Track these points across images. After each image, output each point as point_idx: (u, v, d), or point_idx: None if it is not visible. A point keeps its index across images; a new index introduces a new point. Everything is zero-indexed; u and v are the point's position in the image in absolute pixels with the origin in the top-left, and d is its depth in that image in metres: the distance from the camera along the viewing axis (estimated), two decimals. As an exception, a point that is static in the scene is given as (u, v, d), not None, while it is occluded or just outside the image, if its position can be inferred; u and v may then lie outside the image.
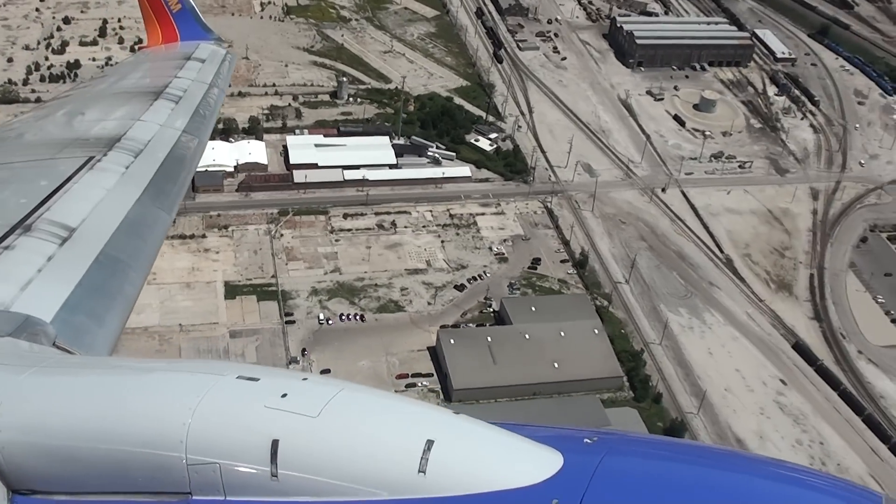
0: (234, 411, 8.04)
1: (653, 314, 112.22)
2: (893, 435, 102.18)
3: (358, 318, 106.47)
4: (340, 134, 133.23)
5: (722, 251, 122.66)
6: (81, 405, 8.81)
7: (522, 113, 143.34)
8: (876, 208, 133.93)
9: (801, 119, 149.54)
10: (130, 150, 18.14)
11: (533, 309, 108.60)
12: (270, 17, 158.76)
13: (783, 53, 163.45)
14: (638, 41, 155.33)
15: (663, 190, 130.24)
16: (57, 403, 8.97)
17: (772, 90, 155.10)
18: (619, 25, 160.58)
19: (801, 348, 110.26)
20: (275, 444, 7.70)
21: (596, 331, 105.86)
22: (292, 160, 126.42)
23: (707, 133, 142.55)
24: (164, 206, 17.15)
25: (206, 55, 25.84)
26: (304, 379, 8.44)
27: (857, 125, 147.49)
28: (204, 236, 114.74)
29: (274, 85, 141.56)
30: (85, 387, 9.22)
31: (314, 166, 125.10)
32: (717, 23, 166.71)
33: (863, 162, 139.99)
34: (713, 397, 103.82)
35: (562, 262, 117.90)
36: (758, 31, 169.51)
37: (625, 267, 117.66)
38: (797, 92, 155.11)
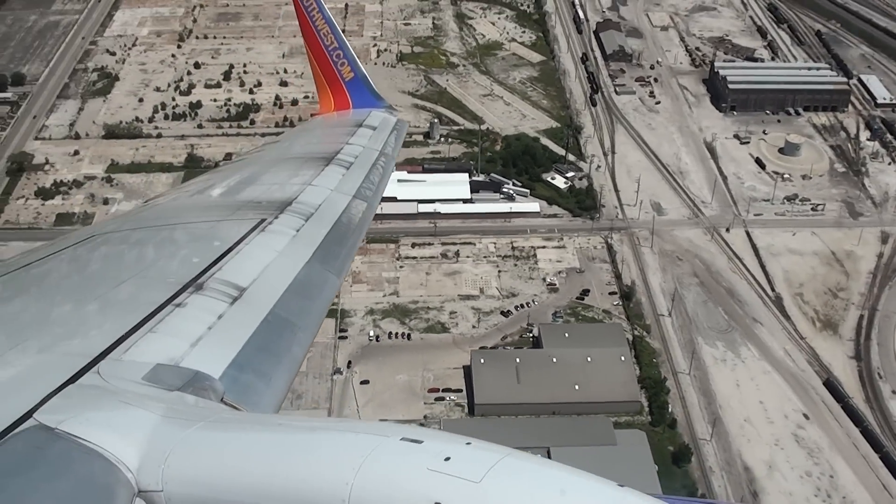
0: (398, 473, 8.15)
1: (689, 346, 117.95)
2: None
3: (405, 336, 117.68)
4: (424, 171, 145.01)
5: (773, 289, 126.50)
6: (246, 461, 9.05)
7: (605, 153, 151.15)
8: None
9: (889, 164, 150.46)
10: (301, 214, 18.65)
11: (566, 335, 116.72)
12: (384, 63, 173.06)
13: (885, 99, 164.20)
14: (730, 85, 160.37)
15: (727, 230, 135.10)
16: (222, 458, 9.21)
17: (864, 135, 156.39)
18: (716, 71, 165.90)
19: (831, 385, 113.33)
20: None
21: (623, 358, 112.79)
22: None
23: (786, 176, 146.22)
24: (332, 269, 17.40)
25: (377, 122, 27.01)
26: (468, 443, 8.47)
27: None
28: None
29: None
30: (250, 443, 9.48)
31: (394, 199, 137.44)
32: (818, 68, 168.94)
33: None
34: (730, 426, 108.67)
35: (610, 293, 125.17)
36: (863, 77, 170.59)
37: (670, 301, 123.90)
38: (891, 137, 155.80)
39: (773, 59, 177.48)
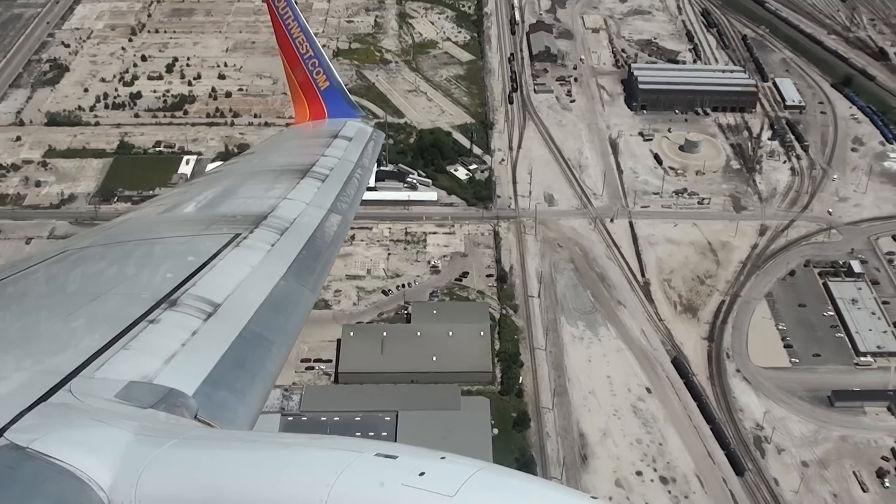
0: (372, 489, 8.31)
1: (552, 325, 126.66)
2: (732, 443, 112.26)
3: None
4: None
5: (644, 275, 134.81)
6: (220, 479, 9.22)
7: (511, 148, 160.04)
8: (821, 246, 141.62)
9: (784, 162, 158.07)
10: (276, 228, 18.73)
11: (434, 312, 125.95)
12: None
13: (794, 101, 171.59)
14: (641, 86, 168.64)
15: (612, 220, 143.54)
16: (196, 476, 9.36)
17: (766, 135, 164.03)
18: (632, 71, 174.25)
19: (678, 362, 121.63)
20: None
21: (482, 333, 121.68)
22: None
23: (680, 171, 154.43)
24: (307, 284, 17.40)
25: (352, 133, 27.00)
26: (442, 458, 8.67)
27: (836, 175, 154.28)
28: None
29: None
30: (224, 461, 9.67)
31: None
32: (732, 71, 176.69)
33: (831, 211, 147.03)
34: (575, 397, 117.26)
35: (488, 276, 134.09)
36: (777, 80, 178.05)
37: (543, 284, 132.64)
38: (792, 137, 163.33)
39: (695, 61, 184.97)
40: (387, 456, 8.73)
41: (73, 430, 10.55)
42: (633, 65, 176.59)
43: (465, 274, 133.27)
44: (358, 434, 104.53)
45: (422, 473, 8.28)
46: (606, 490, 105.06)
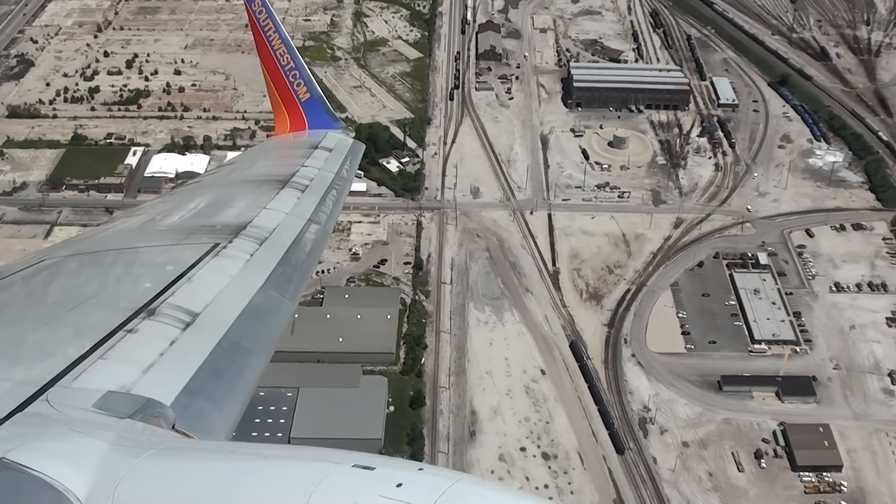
0: (349, 500, 8.33)
1: (460, 310, 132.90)
2: (616, 423, 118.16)
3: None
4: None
5: (555, 264, 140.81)
6: (197, 490, 9.23)
7: (445, 143, 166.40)
8: (733, 239, 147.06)
9: (709, 158, 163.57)
10: (255, 238, 18.84)
11: (346, 296, 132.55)
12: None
13: (727, 99, 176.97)
14: (575, 84, 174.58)
15: (531, 212, 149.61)
16: (173, 487, 9.38)
17: (696, 132, 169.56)
18: (569, 70, 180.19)
19: (574, 346, 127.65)
20: None
21: (389, 317, 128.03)
22: (221, 165, 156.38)
23: (605, 166, 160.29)
24: (286, 294, 17.58)
25: (333, 144, 27.22)
26: (420, 469, 8.75)
27: (756, 173, 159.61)
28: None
29: (245, 111, 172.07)
30: (201, 472, 9.65)
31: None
32: (668, 70, 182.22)
33: (749, 208, 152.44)
34: (472, 377, 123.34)
35: (405, 263, 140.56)
36: (715, 79, 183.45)
37: (457, 272, 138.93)
38: (721, 134, 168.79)
39: (636, 60, 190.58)
40: (364, 467, 8.71)
41: (49, 440, 10.46)
42: (571, 64, 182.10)
43: (383, 261, 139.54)
44: (259, 408, 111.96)
45: (399, 485, 8.32)
46: (489, 464, 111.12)
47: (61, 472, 9.62)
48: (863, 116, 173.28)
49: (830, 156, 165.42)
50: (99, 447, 10.18)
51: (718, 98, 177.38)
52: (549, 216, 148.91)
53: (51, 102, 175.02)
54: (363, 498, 8.35)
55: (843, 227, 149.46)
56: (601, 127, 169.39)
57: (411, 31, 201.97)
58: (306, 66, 30.78)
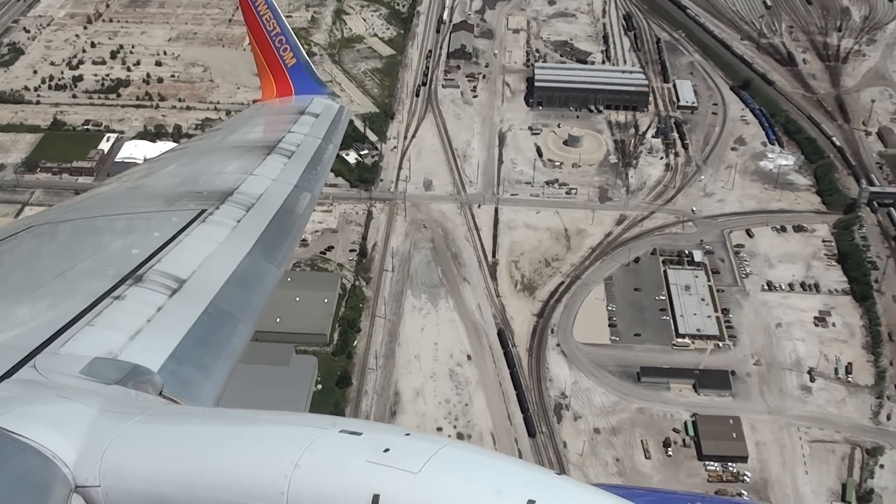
0: (336, 465, 8.35)
1: (398, 297, 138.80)
2: (531, 408, 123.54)
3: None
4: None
5: (494, 256, 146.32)
6: (184, 455, 9.18)
7: (405, 137, 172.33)
8: (673, 236, 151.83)
9: (661, 158, 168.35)
10: (242, 205, 18.95)
11: (289, 280, 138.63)
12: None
13: (687, 102, 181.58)
14: (536, 83, 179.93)
15: (479, 206, 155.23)
16: (160, 452, 9.32)
17: (651, 132, 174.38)
18: (533, 70, 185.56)
19: (501, 334, 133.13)
20: (375, 498, 7.94)
21: (326, 300, 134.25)
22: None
23: (557, 163, 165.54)
24: (273, 260, 17.70)
25: (319, 110, 26.95)
26: (407, 434, 8.70)
27: (703, 176, 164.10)
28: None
29: (217, 102, 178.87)
30: (188, 436, 9.60)
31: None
32: (631, 72, 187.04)
33: (695, 209, 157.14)
34: (400, 360, 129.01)
35: (351, 251, 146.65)
36: (678, 82, 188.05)
37: (399, 260, 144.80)
38: (675, 135, 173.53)
39: (603, 62, 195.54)
40: (351, 432, 8.71)
41: (37, 406, 10.52)
42: (536, 64, 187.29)
43: (330, 248, 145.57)
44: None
45: (386, 450, 8.34)
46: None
47: (49, 438, 9.61)
48: (819, 121, 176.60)
49: (782, 159, 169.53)
50: (86, 413, 10.14)
51: (678, 100, 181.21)
52: (496, 210, 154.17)
53: (35, 89, 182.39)
54: (350, 462, 8.34)
55: (783, 229, 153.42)
56: (559, 125, 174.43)
57: (388, 29, 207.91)
58: (292, 32, 30.17)
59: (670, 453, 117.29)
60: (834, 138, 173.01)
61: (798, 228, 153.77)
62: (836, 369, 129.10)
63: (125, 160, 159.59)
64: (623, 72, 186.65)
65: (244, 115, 35.29)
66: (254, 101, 31.58)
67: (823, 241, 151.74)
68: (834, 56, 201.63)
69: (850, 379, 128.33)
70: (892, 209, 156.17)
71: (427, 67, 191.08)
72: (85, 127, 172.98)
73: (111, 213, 19.84)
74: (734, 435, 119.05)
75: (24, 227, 18.85)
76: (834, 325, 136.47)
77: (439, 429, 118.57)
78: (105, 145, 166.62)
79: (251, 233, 17.96)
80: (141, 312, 13.96)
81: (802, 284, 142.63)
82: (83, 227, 18.85)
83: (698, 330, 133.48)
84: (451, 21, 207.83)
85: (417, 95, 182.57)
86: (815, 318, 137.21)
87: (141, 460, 9.33)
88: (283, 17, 29.88)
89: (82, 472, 9.40)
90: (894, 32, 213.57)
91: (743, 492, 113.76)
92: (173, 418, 10.66)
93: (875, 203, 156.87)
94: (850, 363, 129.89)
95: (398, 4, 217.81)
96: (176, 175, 22.72)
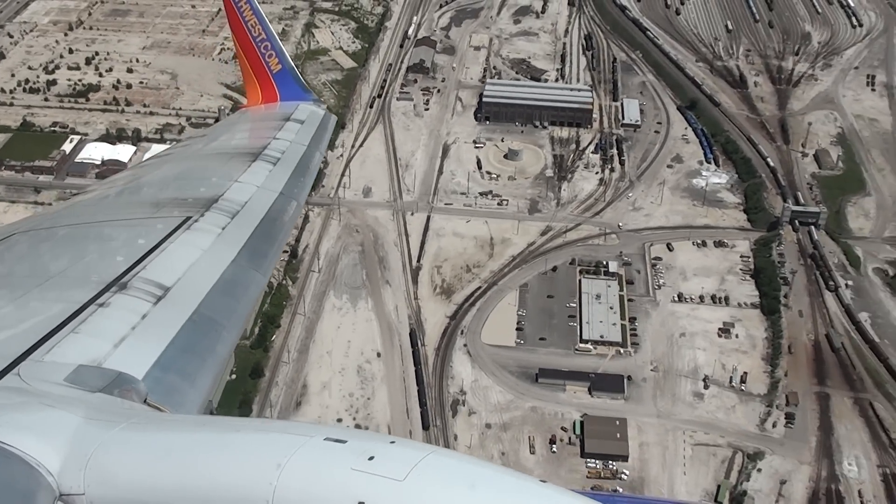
0: (321, 473, 8.46)
1: (320, 296, 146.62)
2: (428, 402, 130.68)
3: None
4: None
5: (419, 261, 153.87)
6: (169, 462, 9.31)
7: (353, 146, 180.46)
8: (594, 248, 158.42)
9: (596, 174, 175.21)
10: (227, 212, 19.12)
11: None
12: (222, 59, 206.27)
13: (630, 120, 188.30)
14: (485, 99, 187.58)
15: (412, 213, 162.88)
16: (145, 460, 9.45)
17: (591, 148, 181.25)
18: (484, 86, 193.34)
19: (412, 334, 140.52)
20: None
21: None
22: (144, 159, 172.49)
23: (495, 175, 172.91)
24: (258, 267, 17.92)
25: (304, 116, 27.46)
26: (392, 442, 8.84)
27: (632, 193, 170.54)
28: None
29: (179, 109, 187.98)
30: (173, 444, 9.74)
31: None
32: (579, 90, 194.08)
33: (621, 224, 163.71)
34: (313, 356, 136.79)
35: (283, 252, 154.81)
36: (626, 101, 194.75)
37: (328, 262, 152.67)
38: (614, 152, 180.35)
39: (556, 80, 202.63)
40: (336, 440, 8.81)
41: (21, 413, 10.57)
42: (487, 80, 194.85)
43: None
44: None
45: (371, 457, 8.41)
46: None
47: (33, 446, 9.64)
48: (757, 142, 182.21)
49: (715, 177, 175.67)
50: (71, 421, 10.17)
51: (623, 118, 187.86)
52: (428, 218, 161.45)
53: (11, 92, 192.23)
54: (335, 470, 8.39)
55: (704, 244, 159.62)
56: (502, 140, 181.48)
57: (354, 42, 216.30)
58: (278, 38, 30.71)
59: (554, 450, 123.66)
60: (769, 159, 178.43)
61: (719, 244, 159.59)
62: (731, 378, 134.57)
63: (84, 160, 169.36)
64: (571, 90, 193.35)
65: (229, 121, 34.62)
66: (239, 107, 33.07)
67: (742, 256, 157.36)
68: (786, 80, 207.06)
69: (743, 388, 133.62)
70: (812, 228, 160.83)
71: (385, 80, 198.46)
72: (52, 129, 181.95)
73: (96, 220, 19.96)
74: (618, 435, 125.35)
75: (8, 233, 18.93)
76: (737, 336, 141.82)
77: (339, 419, 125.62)
78: (68, 146, 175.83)
79: (236, 240, 18.23)
80: (125, 320, 14.16)
81: (713, 297, 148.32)
82: (67, 234, 18.92)
83: (601, 336, 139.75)
84: (415, 36, 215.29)
85: (371, 107, 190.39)
86: (720, 329, 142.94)
87: (125, 468, 9.39)
88: (269, 24, 30.29)
89: (67, 480, 9.44)
90: (851, 58, 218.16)
91: (619, 488, 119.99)
92: (158, 426, 10.71)
93: (797, 222, 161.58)
94: (745, 373, 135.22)
95: (367, 19, 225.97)
96: (160, 182, 22.87)
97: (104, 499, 9.30)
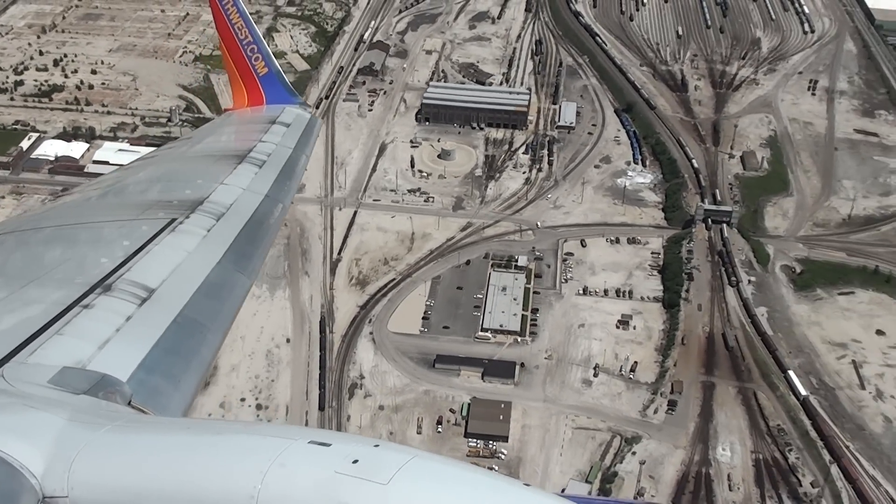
0: (305, 476, 8.51)
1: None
2: (327, 384, 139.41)
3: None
4: (147, 145, 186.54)
5: (340, 254, 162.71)
6: (153, 465, 9.39)
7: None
8: (510, 243, 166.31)
9: (523, 173, 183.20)
10: (212, 214, 19.14)
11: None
12: (182, 62, 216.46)
13: (565, 122, 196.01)
14: (424, 101, 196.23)
15: (340, 208, 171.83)
16: (129, 462, 9.49)
17: (523, 149, 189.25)
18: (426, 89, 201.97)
19: (322, 322, 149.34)
20: None
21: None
22: (94, 157, 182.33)
23: (426, 174, 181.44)
24: (243, 270, 18.00)
25: (290, 119, 27.83)
26: (376, 446, 8.95)
27: (550, 194, 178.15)
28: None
29: (136, 109, 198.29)
30: (157, 447, 9.81)
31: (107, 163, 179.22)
32: (518, 93, 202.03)
33: (540, 223, 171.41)
34: (226, 340, 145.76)
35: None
36: (564, 104, 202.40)
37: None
38: (544, 152, 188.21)
39: (501, 83, 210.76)
40: (320, 443, 8.87)
41: (4, 415, 10.57)
42: (430, 83, 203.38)
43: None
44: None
45: (355, 461, 8.49)
46: (210, 408, 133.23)
47: (16, 448, 9.72)
48: (686, 144, 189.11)
49: (640, 177, 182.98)
50: (54, 423, 10.24)
51: (559, 120, 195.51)
52: (355, 213, 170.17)
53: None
54: (319, 474, 8.53)
55: (617, 240, 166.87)
56: (438, 140, 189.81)
57: (311, 46, 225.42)
58: (264, 41, 30.85)
59: (440, 430, 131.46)
60: (694, 160, 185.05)
61: (631, 241, 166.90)
62: (621, 367, 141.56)
63: (38, 157, 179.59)
64: (510, 93, 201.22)
65: (215, 123, 35.45)
66: (225, 110, 33.31)
67: (652, 252, 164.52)
68: (727, 84, 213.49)
69: (632, 376, 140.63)
70: (724, 226, 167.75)
71: (335, 83, 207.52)
72: (14, 126, 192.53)
73: (80, 222, 19.90)
74: (501, 417, 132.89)
75: None
76: (634, 328, 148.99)
77: (242, 399, 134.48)
78: (26, 143, 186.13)
79: (221, 242, 18.31)
80: (110, 322, 14.18)
81: (617, 291, 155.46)
82: (51, 236, 18.81)
83: (501, 325, 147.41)
84: (371, 40, 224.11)
85: (317, 108, 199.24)
86: (619, 321, 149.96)
87: (109, 471, 9.51)
88: (255, 26, 30.57)
89: (50, 482, 9.53)
90: (796, 63, 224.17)
91: (494, 467, 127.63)
92: (142, 428, 10.74)
93: (710, 220, 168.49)
94: (636, 362, 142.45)
95: (328, 24, 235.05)
96: (146, 183, 22.78)
97: (88, 501, 9.38)
